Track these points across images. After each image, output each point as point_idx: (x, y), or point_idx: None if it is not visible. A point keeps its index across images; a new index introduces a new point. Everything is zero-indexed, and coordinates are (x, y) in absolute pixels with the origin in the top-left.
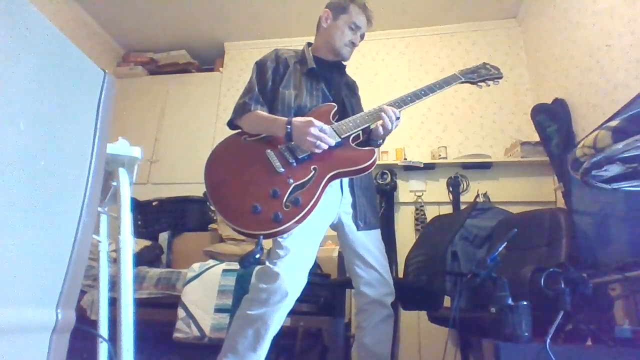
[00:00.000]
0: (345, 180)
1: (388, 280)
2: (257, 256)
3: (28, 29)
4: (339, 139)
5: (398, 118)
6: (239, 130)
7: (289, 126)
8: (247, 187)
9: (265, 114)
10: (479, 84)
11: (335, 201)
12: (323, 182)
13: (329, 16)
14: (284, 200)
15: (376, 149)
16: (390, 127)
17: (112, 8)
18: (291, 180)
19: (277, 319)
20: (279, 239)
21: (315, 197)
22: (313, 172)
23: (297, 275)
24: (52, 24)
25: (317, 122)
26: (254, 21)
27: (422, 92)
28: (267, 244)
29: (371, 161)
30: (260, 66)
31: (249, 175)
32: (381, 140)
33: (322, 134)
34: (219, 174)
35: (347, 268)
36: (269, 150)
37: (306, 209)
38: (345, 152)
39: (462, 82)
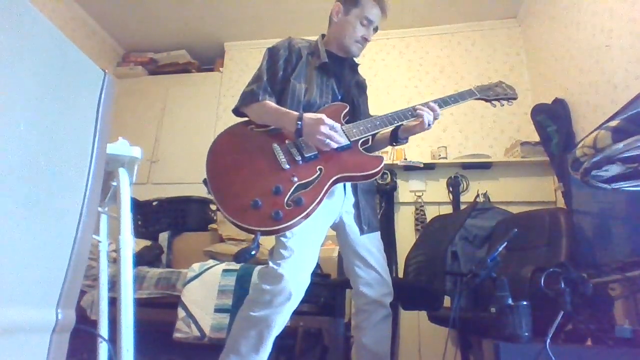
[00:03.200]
0: None
1: (387, 281)
2: (253, 252)
3: (28, 29)
4: (348, 142)
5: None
6: (246, 119)
7: (299, 122)
8: (249, 180)
9: (274, 105)
10: (493, 102)
11: (338, 201)
12: (327, 184)
13: (340, 10)
14: (287, 198)
15: (384, 157)
16: (430, 125)
17: (112, 8)
18: (295, 179)
19: (281, 320)
20: (283, 239)
21: (318, 198)
22: (318, 172)
23: (301, 276)
24: (52, 23)
25: (327, 120)
26: (254, 21)
27: (436, 104)
28: (267, 242)
29: (378, 168)
30: (272, 53)
31: (252, 168)
32: (406, 140)
33: (333, 132)
34: (221, 163)
35: (345, 268)
36: (275, 145)
37: (308, 210)
38: (353, 156)
39: (478, 99)
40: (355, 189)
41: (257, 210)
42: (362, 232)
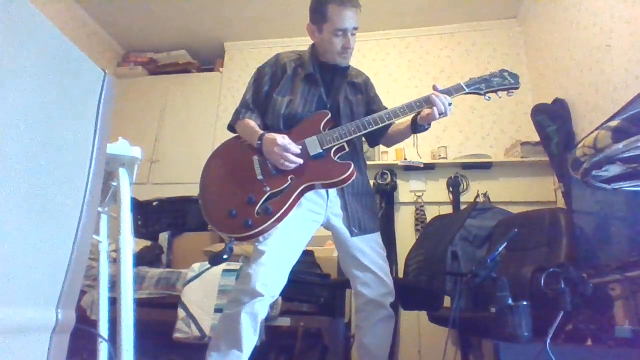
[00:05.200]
0: None
1: (385, 281)
2: (225, 257)
3: (28, 29)
4: (321, 150)
5: (450, 104)
6: None
7: (259, 141)
8: (229, 191)
9: (251, 123)
10: (488, 94)
11: (319, 204)
12: (296, 193)
13: (314, 30)
14: (257, 207)
15: (352, 164)
16: (443, 112)
17: (112, 8)
18: (267, 188)
19: (251, 317)
20: (256, 243)
21: (286, 206)
22: (289, 181)
23: (270, 276)
24: (52, 24)
25: (280, 141)
26: (254, 21)
27: (417, 104)
28: None
29: (345, 175)
30: (258, 72)
31: (233, 179)
32: (427, 125)
33: (286, 153)
34: (210, 175)
35: (342, 269)
36: (255, 157)
37: (275, 217)
38: (323, 164)
39: (467, 94)
40: (341, 192)
41: (232, 218)
42: (351, 234)
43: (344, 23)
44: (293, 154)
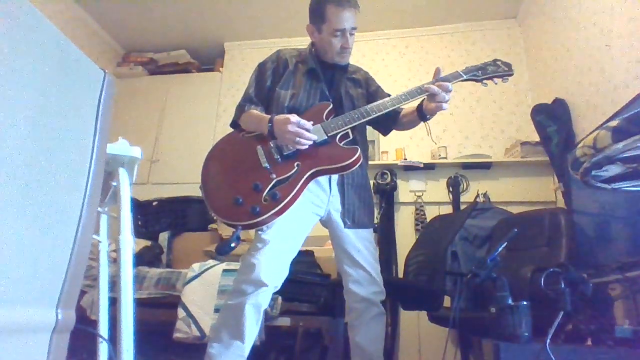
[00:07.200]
0: (335, 177)
1: (377, 279)
2: (232, 245)
3: (28, 29)
4: (326, 137)
5: (450, 90)
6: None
7: (270, 124)
8: (233, 180)
9: (256, 112)
10: (485, 81)
11: (322, 197)
12: (304, 179)
13: (313, 30)
14: (264, 194)
15: (359, 149)
16: (446, 99)
17: (112, 8)
18: (274, 176)
19: (255, 308)
20: (259, 232)
21: (294, 192)
22: (296, 168)
23: (274, 266)
24: (52, 24)
25: (294, 119)
26: (254, 21)
27: (418, 91)
28: None
29: (352, 160)
30: (260, 67)
31: (237, 170)
32: (429, 116)
33: (301, 129)
34: (212, 168)
35: (337, 265)
36: (259, 147)
37: (283, 203)
38: (330, 150)
39: (465, 80)
40: (341, 185)
41: (238, 206)
42: (345, 225)
43: (342, 24)
44: (307, 130)
